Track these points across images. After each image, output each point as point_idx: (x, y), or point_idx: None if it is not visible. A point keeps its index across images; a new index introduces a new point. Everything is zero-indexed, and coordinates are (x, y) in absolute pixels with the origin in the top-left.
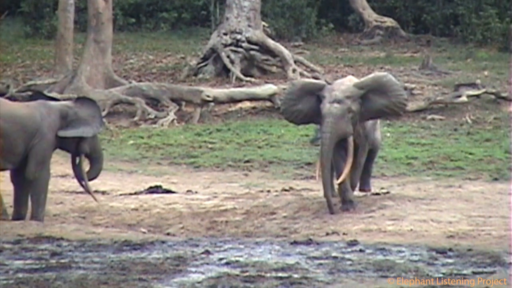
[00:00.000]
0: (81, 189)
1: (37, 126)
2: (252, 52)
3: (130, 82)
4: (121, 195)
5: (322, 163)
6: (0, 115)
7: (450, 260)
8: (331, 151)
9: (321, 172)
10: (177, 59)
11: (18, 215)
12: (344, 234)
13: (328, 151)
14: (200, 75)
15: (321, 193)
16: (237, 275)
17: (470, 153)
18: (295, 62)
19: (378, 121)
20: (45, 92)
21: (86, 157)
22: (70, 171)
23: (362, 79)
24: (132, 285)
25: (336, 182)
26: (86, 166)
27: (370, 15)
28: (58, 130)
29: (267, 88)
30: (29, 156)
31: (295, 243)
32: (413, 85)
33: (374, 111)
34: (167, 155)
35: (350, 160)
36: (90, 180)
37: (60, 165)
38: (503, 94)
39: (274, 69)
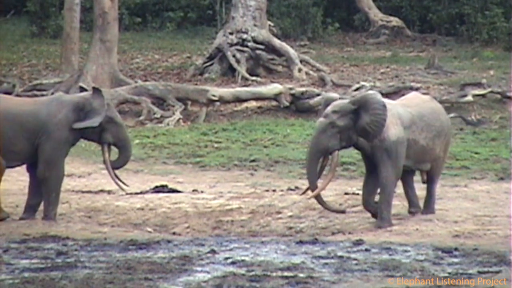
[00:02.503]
0: (87, 188)
1: (41, 123)
2: (258, 52)
3: (136, 82)
4: (127, 194)
5: (308, 177)
6: None
7: (455, 260)
8: (314, 165)
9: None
10: (183, 58)
11: (28, 206)
12: (349, 233)
13: (309, 165)
14: (206, 75)
15: (327, 193)
16: (243, 275)
17: (476, 153)
18: (301, 61)
19: (440, 134)
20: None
21: (115, 146)
22: (76, 170)
23: (358, 95)
24: (138, 285)
25: (306, 196)
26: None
27: (376, 14)
28: (75, 123)
29: (273, 88)
30: (38, 155)
31: (300, 242)
32: (418, 85)
33: (360, 128)
34: (173, 155)
35: (329, 176)
36: (116, 168)
37: (65, 164)
38: (509, 94)
39: (280, 68)
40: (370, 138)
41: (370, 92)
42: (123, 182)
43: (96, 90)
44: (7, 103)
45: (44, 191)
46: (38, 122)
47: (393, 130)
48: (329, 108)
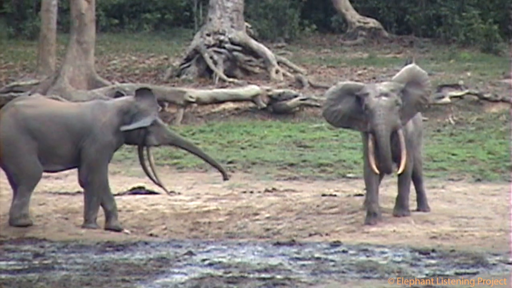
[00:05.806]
0: (64, 190)
1: (86, 126)
2: (235, 53)
3: (113, 83)
4: None
5: (384, 156)
6: (36, 117)
7: (433, 261)
8: (389, 144)
9: (369, 167)
10: (160, 60)
11: (106, 213)
12: (327, 235)
13: (387, 142)
14: (183, 76)
15: (304, 194)
16: (220, 276)
17: (453, 154)
18: (278, 63)
19: (421, 134)
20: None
21: (170, 145)
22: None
23: (398, 73)
24: (115, 286)
25: (398, 172)
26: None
27: (353, 16)
28: (121, 126)
29: (250, 89)
30: (81, 158)
31: (278, 244)
32: None
33: (413, 104)
34: None
35: (405, 150)
36: (217, 164)
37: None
38: (486, 95)
39: (257, 70)
40: (416, 112)
41: (411, 66)
42: (166, 190)
43: (142, 91)
44: (52, 105)
45: (85, 195)
46: (84, 125)
47: (410, 121)
48: (383, 88)
